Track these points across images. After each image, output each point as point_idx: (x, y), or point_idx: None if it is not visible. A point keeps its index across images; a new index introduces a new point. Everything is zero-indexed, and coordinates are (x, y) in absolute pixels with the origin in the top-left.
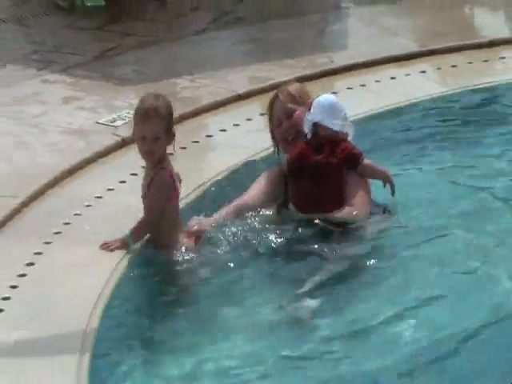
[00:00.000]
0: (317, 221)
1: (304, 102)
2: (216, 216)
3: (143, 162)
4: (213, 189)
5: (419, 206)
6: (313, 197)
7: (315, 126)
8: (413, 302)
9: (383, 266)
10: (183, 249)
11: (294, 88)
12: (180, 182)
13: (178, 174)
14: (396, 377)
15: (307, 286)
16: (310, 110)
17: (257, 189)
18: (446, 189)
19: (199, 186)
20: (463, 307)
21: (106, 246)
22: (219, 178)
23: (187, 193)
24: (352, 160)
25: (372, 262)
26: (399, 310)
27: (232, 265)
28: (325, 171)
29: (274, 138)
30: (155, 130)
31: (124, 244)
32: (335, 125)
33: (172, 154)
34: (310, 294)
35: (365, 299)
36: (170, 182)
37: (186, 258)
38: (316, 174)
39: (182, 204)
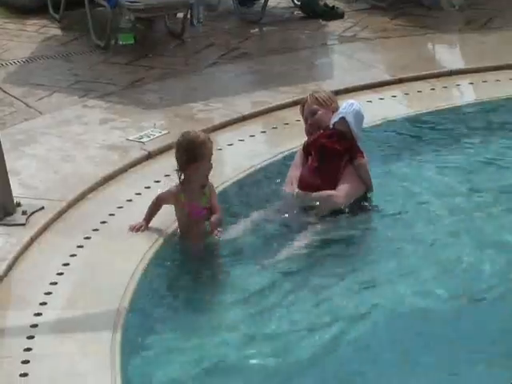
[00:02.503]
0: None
1: (327, 105)
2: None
3: (166, 172)
4: (226, 190)
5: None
6: (315, 173)
7: (342, 122)
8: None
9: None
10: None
11: (319, 94)
12: None
13: None
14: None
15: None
16: (334, 111)
17: (295, 164)
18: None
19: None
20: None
21: (136, 228)
22: (229, 182)
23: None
24: (352, 152)
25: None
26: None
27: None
28: (328, 153)
29: (305, 129)
30: (198, 159)
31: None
32: (355, 126)
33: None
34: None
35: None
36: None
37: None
38: (321, 154)
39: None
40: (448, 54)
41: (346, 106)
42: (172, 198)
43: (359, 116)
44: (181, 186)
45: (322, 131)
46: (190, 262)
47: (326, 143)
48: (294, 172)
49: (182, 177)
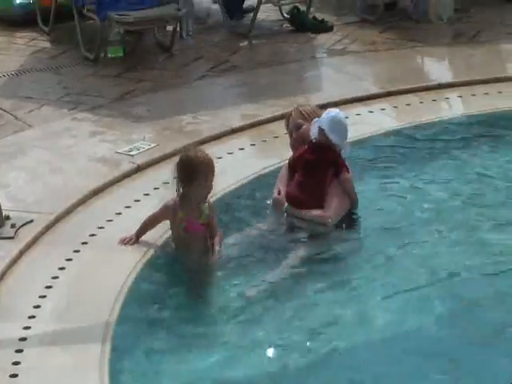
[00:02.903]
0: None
1: (312, 119)
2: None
3: (155, 185)
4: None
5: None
6: (300, 188)
7: (320, 132)
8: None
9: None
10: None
11: (304, 108)
12: None
13: None
14: None
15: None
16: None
17: (282, 176)
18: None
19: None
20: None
21: (126, 241)
22: (218, 196)
23: None
24: (335, 166)
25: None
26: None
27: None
28: (313, 168)
29: (291, 143)
30: (193, 180)
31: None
32: (334, 137)
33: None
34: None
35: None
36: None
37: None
38: (306, 169)
39: None
40: (437, 67)
41: (324, 114)
42: (170, 212)
43: (338, 124)
44: (179, 200)
45: (306, 146)
46: (180, 275)
47: (311, 158)
48: (281, 184)
49: (181, 190)
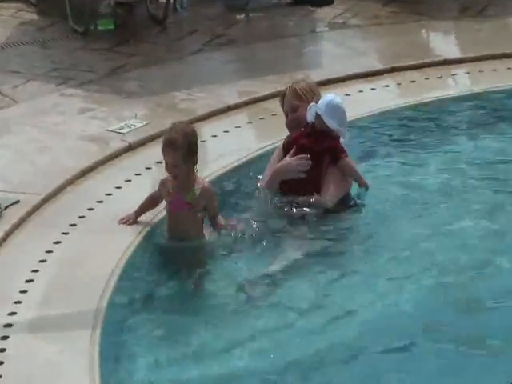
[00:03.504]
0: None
1: (308, 99)
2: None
3: (147, 164)
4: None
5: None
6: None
7: (317, 117)
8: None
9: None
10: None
11: (300, 86)
12: None
13: None
14: None
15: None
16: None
17: (274, 160)
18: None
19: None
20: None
21: (124, 221)
22: (214, 176)
23: None
24: (333, 153)
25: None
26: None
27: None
28: (310, 154)
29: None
30: (172, 159)
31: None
32: (332, 123)
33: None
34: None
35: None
36: (211, 188)
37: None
38: (301, 155)
39: None
40: (443, 42)
41: (321, 99)
42: (165, 185)
43: (335, 109)
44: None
45: (302, 129)
46: (173, 260)
47: (306, 143)
48: (271, 169)
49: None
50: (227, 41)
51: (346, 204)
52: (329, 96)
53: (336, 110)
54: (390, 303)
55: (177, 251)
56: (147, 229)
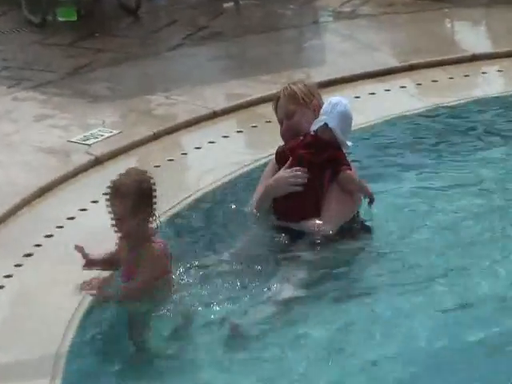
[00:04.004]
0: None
1: (306, 103)
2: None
3: None
4: (186, 211)
5: (396, 225)
6: (292, 194)
7: (324, 129)
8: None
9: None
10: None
11: (297, 88)
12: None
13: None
14: None
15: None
16: (317, 110)
17: (266, 177)
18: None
19: (173, 207)
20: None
21: (87, 286)
22: (194, 198)
23: (159, 213)
24: (334, 164)
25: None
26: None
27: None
28: (308, 168)
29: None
30: (117, 209)
31: (104, 292)
32: (341, 133)
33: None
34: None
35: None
36: (162, 256)
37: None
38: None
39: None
40: (470, 34)
41: (329, 107)
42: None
43: (346, 119)
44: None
45: (301, 138)
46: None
47: (306, 155)
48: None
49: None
50: (212, 34)
51: (351, 228)
52: (338, 101)
53: (347, 118)
54: (404, 344)
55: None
56: None
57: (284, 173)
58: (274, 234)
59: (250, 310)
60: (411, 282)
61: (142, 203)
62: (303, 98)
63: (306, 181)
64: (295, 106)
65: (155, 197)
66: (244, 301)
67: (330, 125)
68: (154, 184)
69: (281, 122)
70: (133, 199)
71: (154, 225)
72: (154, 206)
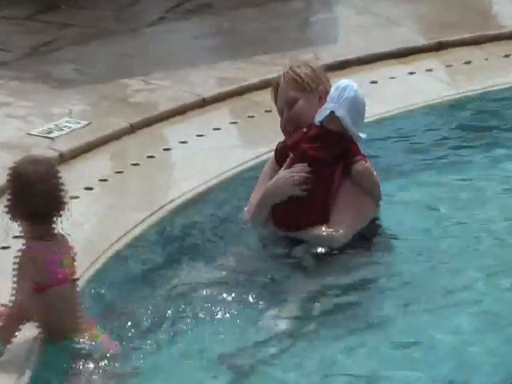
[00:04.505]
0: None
1: (312, 89)
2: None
3: (85, 183)
4: (168, 218)
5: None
6: (295, 198)
7: (332, 118)
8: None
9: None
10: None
11: (300, 71)
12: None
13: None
14: None
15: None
16: (323, 97)
17: (260, 185)
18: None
19: (152, 214)
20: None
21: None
22: (177, 203)
23: (136, 223)
24: (346, 157)
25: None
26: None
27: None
28: (313, 165)
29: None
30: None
31: None
32: (351, 122)
33: None
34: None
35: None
36: (39, 263)
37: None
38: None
39: (130, 236)
40: (511, 6)
41: (336, 92)
42: None
43: (357, 106)
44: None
45: (304, 130)
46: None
47: (311, 151)
48: (258, 196)
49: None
50: (200, 5)
51: (366, 238)
52: (346, 85)
53: (358, 104)
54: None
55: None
56: None
57: (284, 172)
58: (271, 248)
59: (240, 345)
60: (432, 309)
61: (18, 202)
62: (308, 84)
63: (310, 180)
64: (298, 93)
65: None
66: (233, 335)
67: (338, 113)
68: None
69: (281, 113)
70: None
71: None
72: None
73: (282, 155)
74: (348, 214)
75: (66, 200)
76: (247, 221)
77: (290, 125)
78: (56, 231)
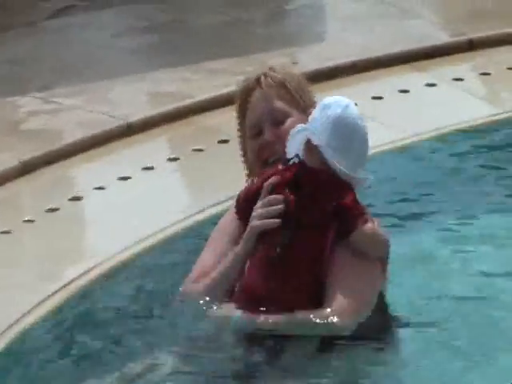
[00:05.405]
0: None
1: (305, 103)
2: None
3: None
4: (75, 298)
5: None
6: (272, 269)
7: (309, 150)
8: None
9: None
10: None
11: (289, 76)
12: None
13: None
14: None
15: None
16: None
17: (210, 250)
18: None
19: (51, 295)
20: None
21: None
22: (90, 277)
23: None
24: (344, 216)
25: None
26: None
27: None
28: (296, 226)
29: (245, 156)
30: None
31: None
32: (342, 164)
33: None
34: None
35: None
36: None
37: None
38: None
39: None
40: None
41: (317, 112)
42: None
43: (344, 130)
44: None
45: (280, 167)
46: None
47: (289, 205)
48: (213, 260)
49: None
50: None
51: (374, 321)
52: (330, 104)
53: (349, 131)
54: None
55: None
56: None
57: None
58: (239, 338)
59: None
60: None
61: None
62: (301, 97)
63: (292, 249)
64: (288, 106)
65: None
66: None
67: (315, 140)
68: None
69: (256, 131)
70: None
71: None
72: None
73: (247, 207)
74: (349, 292)
75: None
76: (190, 298)
77: (272, 151)
78: None
